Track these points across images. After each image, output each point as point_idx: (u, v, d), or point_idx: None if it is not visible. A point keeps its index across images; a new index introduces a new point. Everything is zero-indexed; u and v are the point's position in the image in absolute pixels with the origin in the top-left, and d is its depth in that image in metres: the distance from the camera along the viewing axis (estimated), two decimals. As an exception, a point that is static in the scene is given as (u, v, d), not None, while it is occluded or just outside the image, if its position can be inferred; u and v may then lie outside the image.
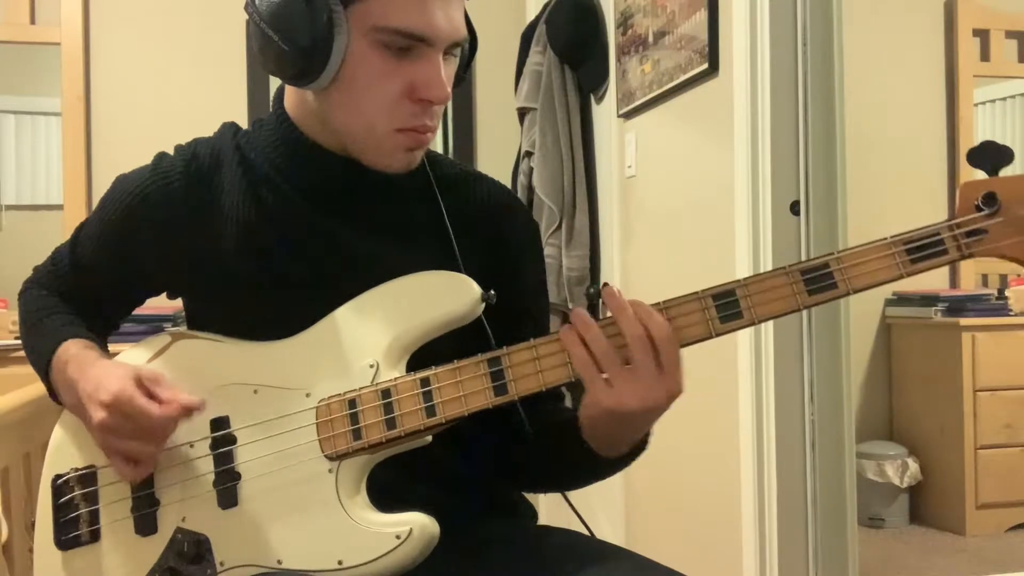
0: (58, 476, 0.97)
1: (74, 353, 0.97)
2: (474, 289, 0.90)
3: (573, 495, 1.06)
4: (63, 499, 0.95)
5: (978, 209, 0.80)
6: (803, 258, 1.68)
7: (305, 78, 0.89)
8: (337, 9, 0.86)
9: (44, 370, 1.00)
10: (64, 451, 0.98)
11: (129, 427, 0.88)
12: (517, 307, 1.03)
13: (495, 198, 1.05)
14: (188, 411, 0.89)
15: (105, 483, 0.94)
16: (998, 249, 0.80)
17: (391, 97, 0.90)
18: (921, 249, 0.80)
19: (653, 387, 0.81)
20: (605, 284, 0.84)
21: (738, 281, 0.83)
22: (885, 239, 0.81)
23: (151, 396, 0.89)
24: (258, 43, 0.90)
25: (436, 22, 0.88)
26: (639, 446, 0.91)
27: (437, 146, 3.22)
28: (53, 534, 0.95)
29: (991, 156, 0.81)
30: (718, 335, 0.84)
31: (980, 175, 0.82)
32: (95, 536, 0.94)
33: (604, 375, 0.82)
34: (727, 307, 0.83)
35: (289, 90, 0.99)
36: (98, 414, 0.88)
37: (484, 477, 1.06)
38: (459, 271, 0.95)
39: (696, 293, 0.84)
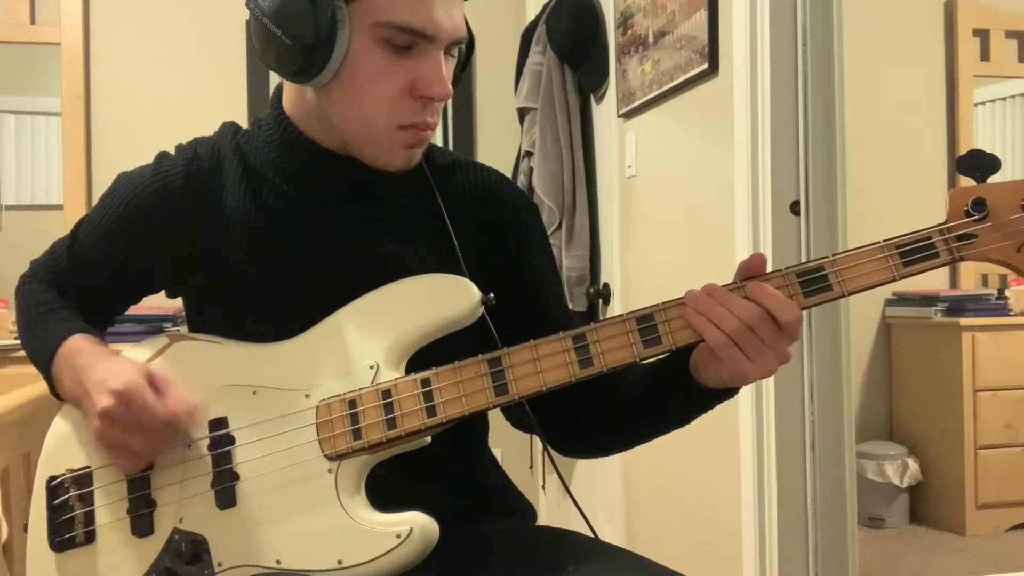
0: (53, 477, 0.96)
1: (84, 346, 0.97)
2: (474, 292, 0.90)
3: (575, 495, 1.06)
4: (58, 500, 0.95)
5: (968, 214, 0.83)
6: (803, 258, 1.68)
7: (307, 74, 0.89)
8: (340, 5, 0.86)
9: (47, 361, 0.99)
10: (59, 452, 0.98)
11: (131, 419, 0.87)
12: (532, 281, 1.04)
13: (488, 182, 1.05)
14: (193, 415, 0.89)
15: (101, 484, 0.94)
16: (987, 253, 0.82)
17: (392, 94, 0.90)
18: (913, 252, 0.83)
19: (783, 349, 0.85)
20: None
21: (735, 283, 0.85)
22: (878, 243, 0.83)
23: (159, 394, 0.89)
24: (260, 39, 0.90)
25: (438, 19, 0.88)
26: None
27: (437, 144, 3.21)
28: (47, 535, 0.95)
29: (979, 164, 0.84)
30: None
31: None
32: (90, 537, 0.94)
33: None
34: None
35: (287, 89, 0.99)
36: (104, 400, 0.87)
37: (484, 477, 1.06)
38: (459, 263, 0.95)
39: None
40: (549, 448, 1.01)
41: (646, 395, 0.97)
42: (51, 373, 1.00)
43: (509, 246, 1.03)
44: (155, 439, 0.90)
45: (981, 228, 0.82)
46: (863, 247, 0.83)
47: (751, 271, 0.85)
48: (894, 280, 0.83)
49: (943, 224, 0.83)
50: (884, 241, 0.83)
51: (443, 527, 0.86)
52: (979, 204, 0.82)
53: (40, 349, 1.01)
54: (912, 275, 0.83)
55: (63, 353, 0.98)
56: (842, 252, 0.84)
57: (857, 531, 1.79)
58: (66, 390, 0.98)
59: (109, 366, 0.92)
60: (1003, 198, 0.82)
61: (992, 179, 0.84)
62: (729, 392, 0.93)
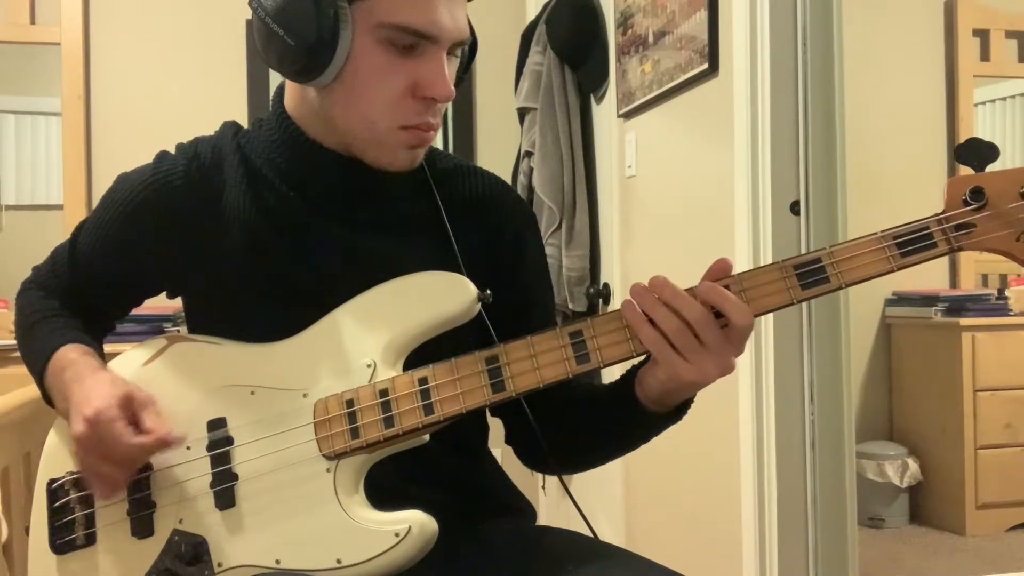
0: (53, 480, 0.96)
1: (73, 359, 0.96)
2: (471, 289, 0.90)
3: (575, 495, 1.06)
4: (58, 503, 0.95)
5: (966, 203, 0.81)
6: (803, 258, 1.68)
7: (309, 74, 0.89)
8: (343, 5, 0.86)
9: (39, 373, 0.99)
10: (59, 454, 0.98)
11: (101, 448, 0.87)
12: (523, 295, 1.04)
13: (489, 189, 1.05)
14: (166, 445, 0.87)
15: None
16: (985, 242, 0.81)
17: (394, 95, 0.90)
18: (911, 243, 0.82)
19: (726, 356, 0.83)
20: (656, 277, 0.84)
21: (732, 277, 0.84)
22: (876, 234, 0.82)
23: (135, 421, 0.88)
24: (262, 39, 0.90)
25: (441, 20, 0.88)
26: (690, 400, 0.92)
27: (437, 145, 3.21)
28: (48, 538, 0.95)
29: (978, 153, 0.82)
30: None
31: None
32: (91, 539, 0.94)
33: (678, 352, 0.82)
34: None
35: (289, 89, 0.99)
36: (77, 426, 0.87)
37: (484, 477, 1.06)
38: (458, 267, 0.95)
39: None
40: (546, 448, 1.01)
41: (600, 413, 0.97)
42: (44, 385, 1.00)
43: (505, 256, 1.03)
44: (123, 469, 0.89)
45: (980, 217, 0.81)
46: (860, 238, 0.82)
47: (712, 277, 0.84)
48: (892, 271, 0.82)
49: (941, 214, 0.82)
50: (881, 232, 0.82)
51: (443, 527, 0.86)
52: (977, 193, 0.81)
53: (33, 360, 1.01)
54: (910, 266, 0.82)
55: (53, 367, 0.98)
56: (839, 244, 0.83)
57: (857, 531, 1.79)
58: (57, 405, 0.98)
59: (91, 385, 0.90)
60: (1002, 186, 0.81)
61: (991, 168, 0.82)
62: (672, 416, 0.92)
